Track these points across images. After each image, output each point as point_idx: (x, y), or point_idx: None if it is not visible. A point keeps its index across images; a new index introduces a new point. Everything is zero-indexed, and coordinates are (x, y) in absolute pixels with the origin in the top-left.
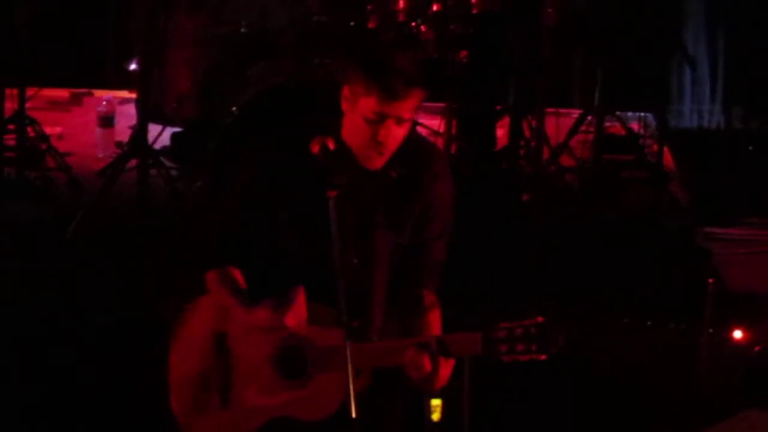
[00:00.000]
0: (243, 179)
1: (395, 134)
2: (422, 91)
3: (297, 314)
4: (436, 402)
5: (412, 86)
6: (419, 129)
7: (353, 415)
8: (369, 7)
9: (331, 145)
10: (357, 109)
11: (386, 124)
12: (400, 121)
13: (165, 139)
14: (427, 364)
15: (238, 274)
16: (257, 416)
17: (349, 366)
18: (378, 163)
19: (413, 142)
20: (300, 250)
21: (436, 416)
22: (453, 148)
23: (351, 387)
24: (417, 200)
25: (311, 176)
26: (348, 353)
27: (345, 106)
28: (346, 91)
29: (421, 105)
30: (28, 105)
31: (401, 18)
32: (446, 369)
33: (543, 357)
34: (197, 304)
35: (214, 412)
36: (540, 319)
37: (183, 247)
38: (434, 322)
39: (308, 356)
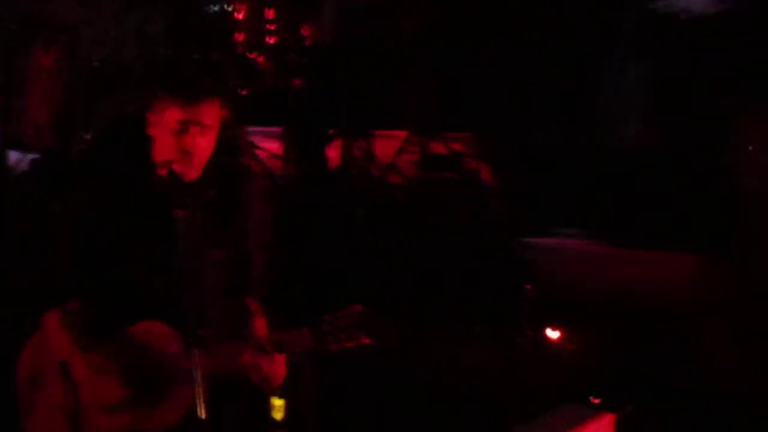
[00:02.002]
0: (78, 217)
1: (200, 143)
2: (218, 99)
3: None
4: (278, 402)
5: (208, 93)
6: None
7: (203, 416)
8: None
9: (176, 168)
10: (163, 125)
11: (191, 132)
12: (202, 128)
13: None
14: (264, 365)
15: (73, 308)
16: None
17: (198, 371)
18: (191, 173)
19: (233, 165)
20: (140, 273)
21: (278, 415)
22: (289, 168)
23: (200, 390)
24: (238, 218)
25: (144, 203)
26: (195, 359)
27: (153, 130)
28: (151, 117)
29: (224, 116)
30: None
31: (240, 50)
32: (281, 368)
33: (368, 341)
34: (35, 343)
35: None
36: (358, 307)
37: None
38: (260, 328)
39: (152, 374)
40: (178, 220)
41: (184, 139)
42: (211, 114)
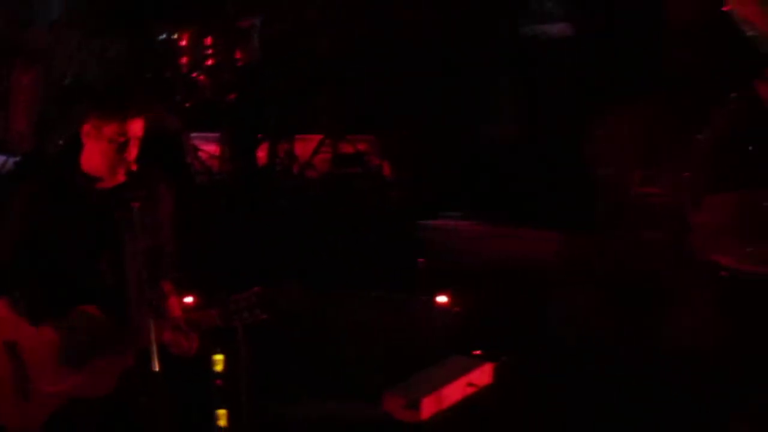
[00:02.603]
0: (24, 213)
1: (131, 151)
2: (145, 117)
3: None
4: (219, 357)
5: (138, 111)
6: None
7: (156, 369)
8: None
9: (134, 168)
10: (102, 136)
11: (125, 144)
12: (134, 139)
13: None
14: (183, 341)
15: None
16: (52, 402)
17: (153, 331)
18: (122, 177)
19: (149, 172)
20: (75, 266)
21: (219, 368)
22: (225, 167)
23: (154, 346)
24: (152, 211)
25: (79, 202)
26: (150, 325)
27: (87, 140)
28: (86, 128)
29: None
30: None
31: (185, 70)
32: (195, 342)
33: (264, 317)
34: None
35: (20, 404)
36: (257, 289)
37: None
38: (175, 308)
39: (86, 349)
40: (113, 217)
41: (123, 148)
42: (140, 126)
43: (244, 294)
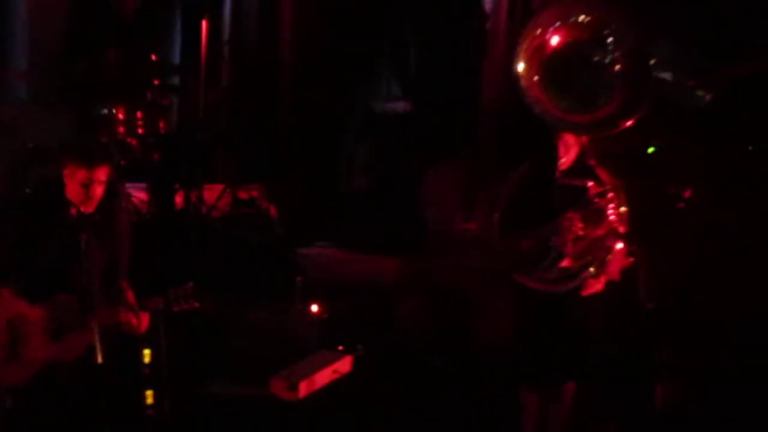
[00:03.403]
0: (18, 237)
1: (97, 190)
2: (108, 167)
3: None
4: (146, 351)
5: (102, 163)
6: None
7: (99, 361)
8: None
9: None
10: (75, 179)
11: (93, 185)
12: (99, 182)
13: None
14: (134, 320)
15: (18, 286)
16: (36, 363)
17: (96, 329)
18: (90, 208)
19: (110, 200)
20: (58, 267)
21: (146, 360)
22: (151, 208)
23: (97, 341)
24: (112, 232)
25: (59, 224)
26: (96, 319)
27: (67, 180)
28: (66, 171)
29: (114, 176)
30: None
31: (121, 137)
32: (145, 321)
33: (197, 305)
34: None
35: (11, 363)
36: (191, 284)
37: None
38: (129, 297)
39: (65, 327)
40: (82, 236)
41: (89, 188)
42: (104, 174)
43: (181, 287)
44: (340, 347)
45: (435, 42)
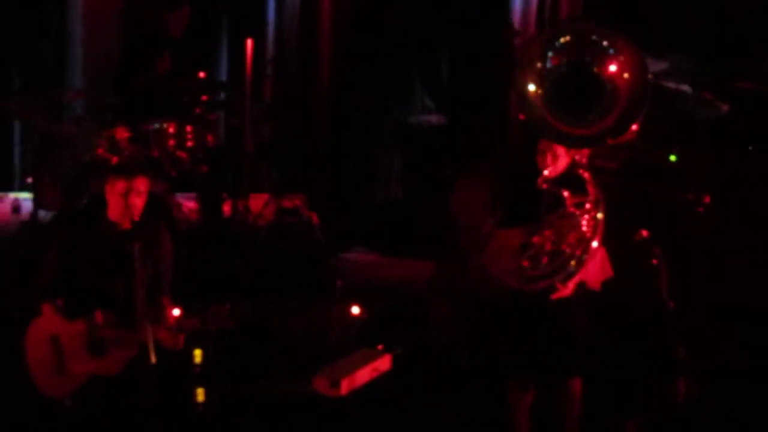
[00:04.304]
0: (64, 249)
1: (137, 201)
2: (147, 178)
3: (101, 321)
4: (197, 351)
5: (140, 173)
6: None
7: (153, 361)
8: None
9: (137, 218)
10: (115, 191)
11: (131, 195)
12: (138, 192)
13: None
14: (171, 339)
15: (60, 302)
16: (80, 377)
17: (150, 335)
18: (132, 221)
19: (154, 215)
20: (99, 283)
21: (198, 360)
22: (201, 218)
23: (150, 345)
24: (156, 247)
25: (103, 239)
26: (148, 330)
27: (108, 195)
28: (107, 185)
29: (151, 186)
30: None
31: (171, 149)
32: (182, 340)
33: (232, 324)
34: (36, 322)
35: (56, 376)
36: (227, 305)
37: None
38: (170, 315)
39: (105, 342)
40: (126, 251)
41: (128, 199)
42: (142, 184)
43: (217, 307)
44: (380, 346)
45: (466, 57)
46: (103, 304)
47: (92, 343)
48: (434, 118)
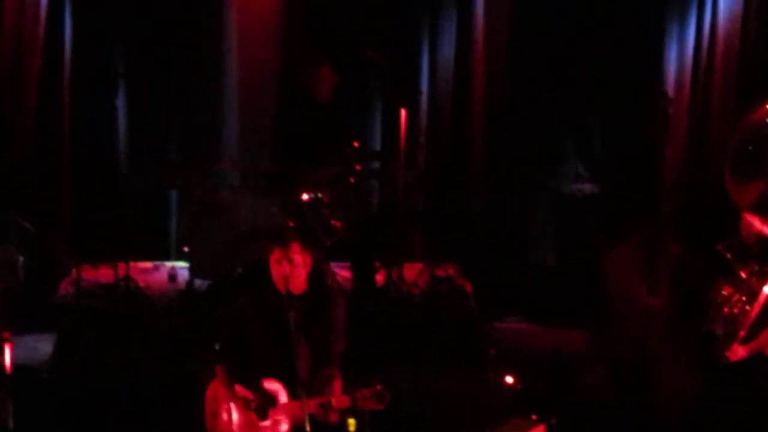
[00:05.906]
0: (232, 317)
1: (297, 270)
2: (302, 245)
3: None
4: (352, 420)
5: (293, 241)
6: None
7: (308, 430)
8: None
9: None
10: (273, 259)
11: (283, 263)
12: (290, 261)
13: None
14: (326, 415)
15: (230, 366)
16: None
17: (305, 409)
18: (296, 290)
19: (320, 283)
20: (266, 353)
21: (352, 428)
22: (355, 286)
23: (306, 419)
24: (325, 319)
25: (269, 310)
26: (304, 405)
27: (271, 264)
28: (271, 256)
29: (310, 255)
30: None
31: (325, 219)
32: (336, 416)
33: (382, 407)
34: (215, 383)
35: None
36: (379, 386)
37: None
38: (336, 387)
39: (268, 409)
40: (290, 319)
41: (283, 267)
42: (297, 252)
43: (368, 389)
44: (533, 416)
45: (619, 125)
46: (272, 371)
47: (256, 408)
48: (588, 187)
